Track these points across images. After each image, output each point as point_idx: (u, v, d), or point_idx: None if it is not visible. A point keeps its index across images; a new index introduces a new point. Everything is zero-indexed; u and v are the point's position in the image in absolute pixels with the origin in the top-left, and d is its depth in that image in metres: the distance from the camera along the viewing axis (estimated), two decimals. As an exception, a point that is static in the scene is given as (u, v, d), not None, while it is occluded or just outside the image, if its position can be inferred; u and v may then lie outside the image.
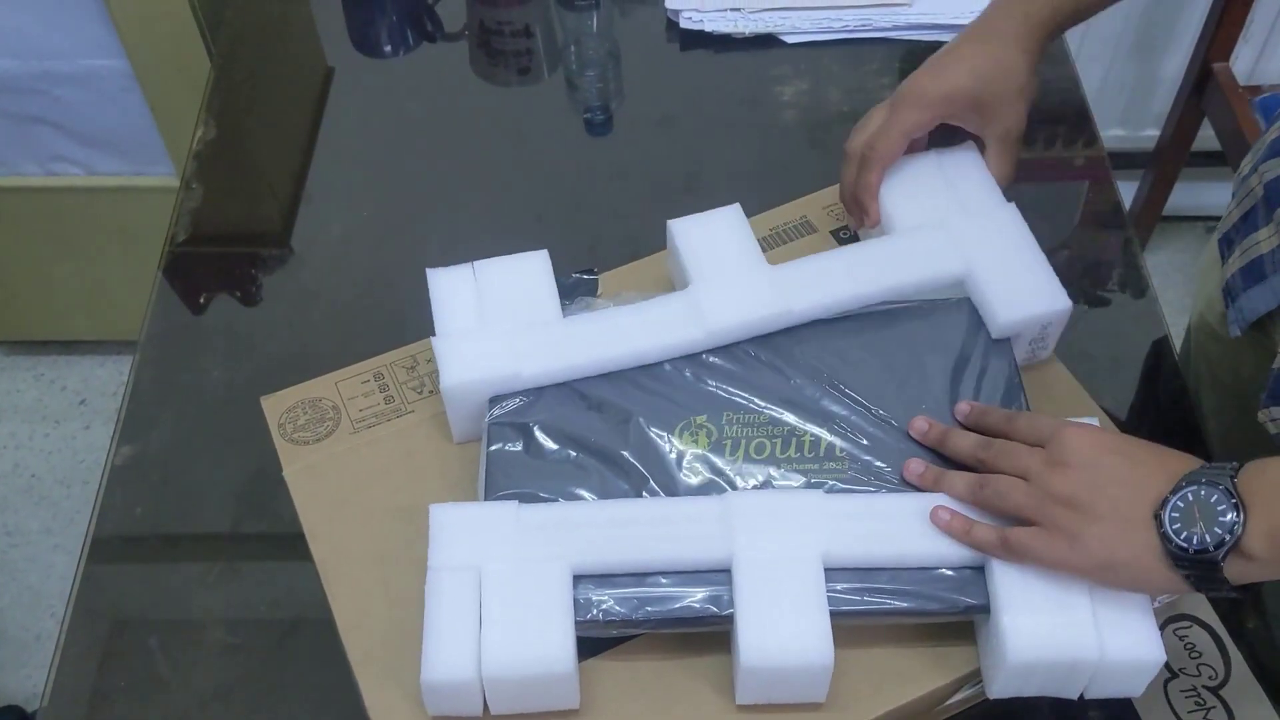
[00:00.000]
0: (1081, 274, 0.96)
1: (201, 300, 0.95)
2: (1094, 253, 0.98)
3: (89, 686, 0.75)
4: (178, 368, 0.90)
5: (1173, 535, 0.58)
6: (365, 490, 0.72)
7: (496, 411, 0.71)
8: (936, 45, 1.11)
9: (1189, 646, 0.72)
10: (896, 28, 1.12)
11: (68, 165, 1.65)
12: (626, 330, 0.73)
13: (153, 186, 1.63)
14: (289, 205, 1.01)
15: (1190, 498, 0.58)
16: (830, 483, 0.68)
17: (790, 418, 0.71)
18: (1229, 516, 0.57)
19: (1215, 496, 0.58)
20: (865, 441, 0.70)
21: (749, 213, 0.81)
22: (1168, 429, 0.88)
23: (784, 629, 0.62)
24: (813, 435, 0.70)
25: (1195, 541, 0.57)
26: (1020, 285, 0.73)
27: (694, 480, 0.69)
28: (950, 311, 0.75)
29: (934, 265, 0.75)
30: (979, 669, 0.65)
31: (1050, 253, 0.97)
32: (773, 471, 0.69)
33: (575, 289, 0.78)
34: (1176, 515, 0.58)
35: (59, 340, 1.94)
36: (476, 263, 0.76)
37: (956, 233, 0.75)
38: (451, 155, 1.03)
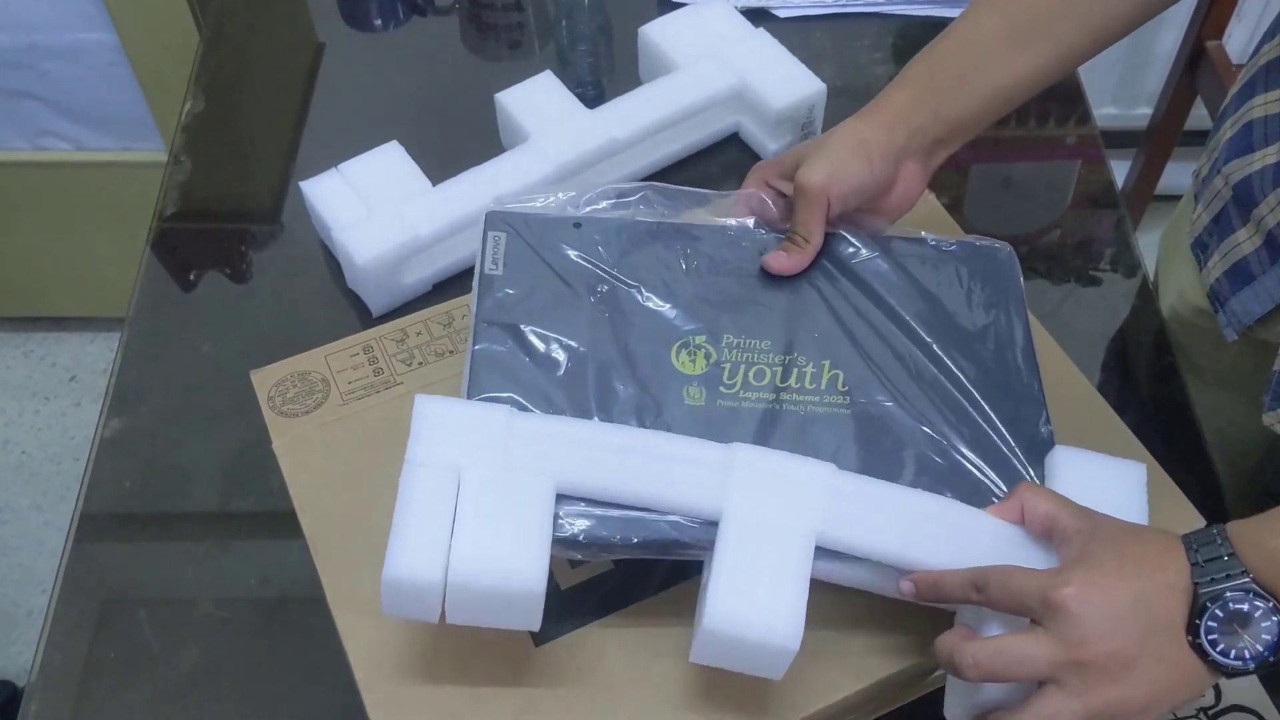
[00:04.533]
0: (1074, 253, 0.97)
1: (190, 275, 0.94)
2: (1086, 231, 0.98)
3: (79, 661, 0.75)
4: (166, 342, 0.90)
5: (1230, 663, 0.54)
6: (354, 462, 0.72)
7: (487, 304, 0.68)
8: (928, 20, 1.11)
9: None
10: (889, 1, 1.12)
11: (56, 140, 1.64)
12: (489, 180, 0.88)
13: (142, 162, 1.63)
14: (279, 180, 1.01)
15: (1220, 613, 0.54)
16: (833, 413, 0.67)
17: (793, 346, 0.69)
18: (1267, 621, 0.54)
19: (1237, 597, 0.54)
20: (871, 377, 0.68)
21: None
22: (1157, 405, 0.88)
23: (757, 599, 0.59)
24: (815, 366, 0.68)
25: (1249, 656, 0.54)
26: (781, 81, 0.95)
27: (690, 401, 0.66)
28: (965, 255, 0.74)
29: (713, 85, 0.95)
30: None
31: (1042, 231, 0.98)
32: (772, 399, 0.67)
33: None
34: (1216, 638, 0.54)
35: (48, 317, 1.94)
36: (339, 165, 0.90)
37: (723, 58, 0.96)
38: (443, 130, 1.02)
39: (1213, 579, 0.54)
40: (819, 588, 0.62)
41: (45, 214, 1.72)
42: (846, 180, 0.71)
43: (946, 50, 0.73)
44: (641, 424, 0.65)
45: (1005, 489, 0.66)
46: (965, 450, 0.67)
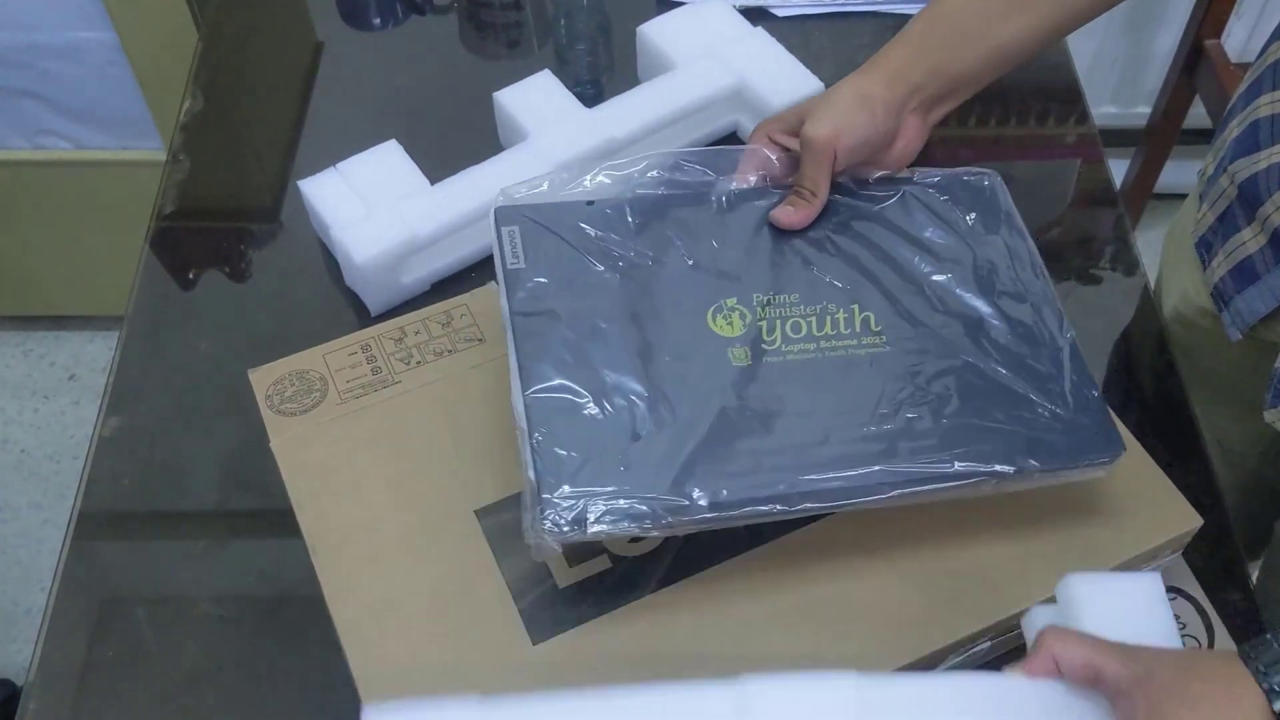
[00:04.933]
0: (1073, 251, 0.97)
1: (189, 274, 0.94)
2: (1085, 230, 0.98)
3: (77, 660, 0.75)
4: (165, 340, 0.90)
5: None
6: (352, 460, 0.72)
7: (519, 297, 0.68)
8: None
9: (1174, 617, 0.72)
10: (888, 1, 1.12)
11: (55, 139, 1.64)
12: (488, 179, 0.86)
13: (141, 161, 1.63)
14: (277, 179, 1.01)
15: None
16: (873, 353, 0.68)
17: (820, 295, 0.71)
18: None
19: None
20: (899, 313, 0.70)
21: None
22: (1158, 405, 0.88)
23: None
24: (845, 311, 0.70)
25: None
26: (780, 80, 0.94)
27: (736, 363, 0.67)
28: (957, 187, 0.77)
29: (711, 84, 0.95)
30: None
31: (1042, 230, 0.98)
32: (814, 349, 0.68)
33: None
34: None
35: (47, 315, 1.94)
36: (338, 164, 0.90)
37: (722, 57, 0.96)
38: (441, 129, 1.02)
39: None
40: (806, 580, 0.62)
41: (44, 213, 1.72)
42: (852, 134, 0.73)
43: (947, 9, 0.75)
44: (692, 392, 0.66)
45: (1039, 397, 0.68)
46: (999, 368, 0.69)
